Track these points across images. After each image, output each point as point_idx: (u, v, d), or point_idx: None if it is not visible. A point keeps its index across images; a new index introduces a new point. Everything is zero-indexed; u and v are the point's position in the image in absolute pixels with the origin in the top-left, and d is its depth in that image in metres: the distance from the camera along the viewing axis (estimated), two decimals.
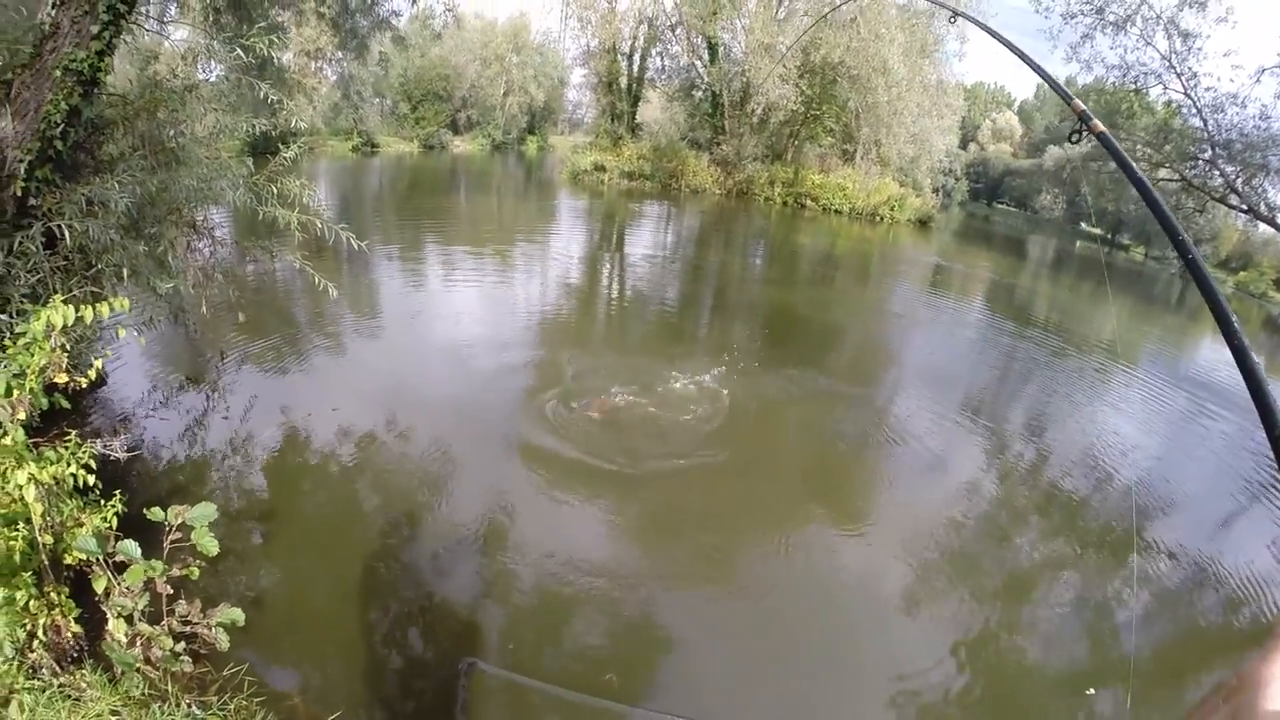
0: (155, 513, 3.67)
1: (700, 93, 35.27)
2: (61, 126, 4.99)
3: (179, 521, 3.68)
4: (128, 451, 4.34)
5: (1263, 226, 44.18)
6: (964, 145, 60.98)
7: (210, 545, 3.65)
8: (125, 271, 5.55)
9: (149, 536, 3.71)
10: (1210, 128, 18.78)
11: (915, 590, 5.74)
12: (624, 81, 36.26)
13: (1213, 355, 17.97)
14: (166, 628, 3.70)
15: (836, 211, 32.26)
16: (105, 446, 4.20)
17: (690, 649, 4.77)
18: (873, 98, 29.95)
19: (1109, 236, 55.10)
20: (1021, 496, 7.81)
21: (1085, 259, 41.94)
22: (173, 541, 3.69)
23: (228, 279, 7.60)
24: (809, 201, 32.52)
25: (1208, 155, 19.17)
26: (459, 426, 7.20)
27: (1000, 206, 65.91)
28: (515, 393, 8.20)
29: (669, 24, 34.28)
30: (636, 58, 36.08)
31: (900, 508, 7.04)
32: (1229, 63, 18.59)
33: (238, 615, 3.82)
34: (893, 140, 31.89)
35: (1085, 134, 2.59)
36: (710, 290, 15.95)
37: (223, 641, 3.76)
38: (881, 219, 32.59)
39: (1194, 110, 19.04)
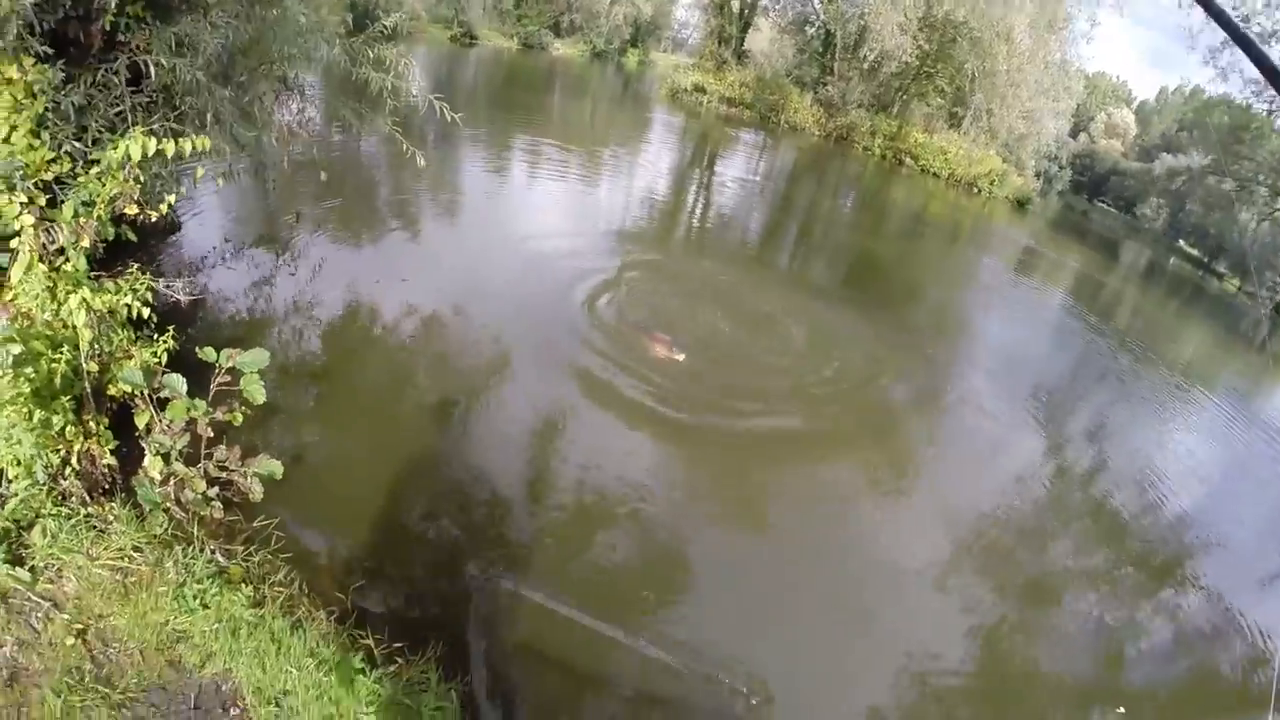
0: (207, 352, 3.56)
1: (813, 29, 34.07)
2: None
3: (229, 364, 3.56)
4: (190, 296, 4.22)
5: None
6: (1074, 134, 58.24)
7: (257, 392, 3.54)
8: (210, 116, 5.34)
9: (198, 378, 3.60)
10: None
11: (931, 561, 5.55)
12: (736, 5, 35.06)
13: None
14: (202, 471, 3.62)
15: (935, 174, 31.10)
16: (168, 287, 4.08)
17: (711, 584, 4.64)
18: (991, 64, 28.68)
19: (1206, 261, 52.55)
20: (1069, 500, 7.38)
21: (1177, 276, 40.06)
22: (220, 384, 3.57)
23: (312, 139, 7.40)
24: (908, 159, 31.40)
25: None
26: (521, 321, 7.06)
27: (1100, 205, 63.16)
28: (580, 297, 7.87)
29: None
30: None
31: (939, 485, 6.77)
32: None
33: (276, 468, 3.73)
34: (1005, 112, 30.56)
35: None
36: (796, 226, 15.39)
37: (256, 492, 3.70)
38: (979, 191, 31.32)
39: None
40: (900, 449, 7.06)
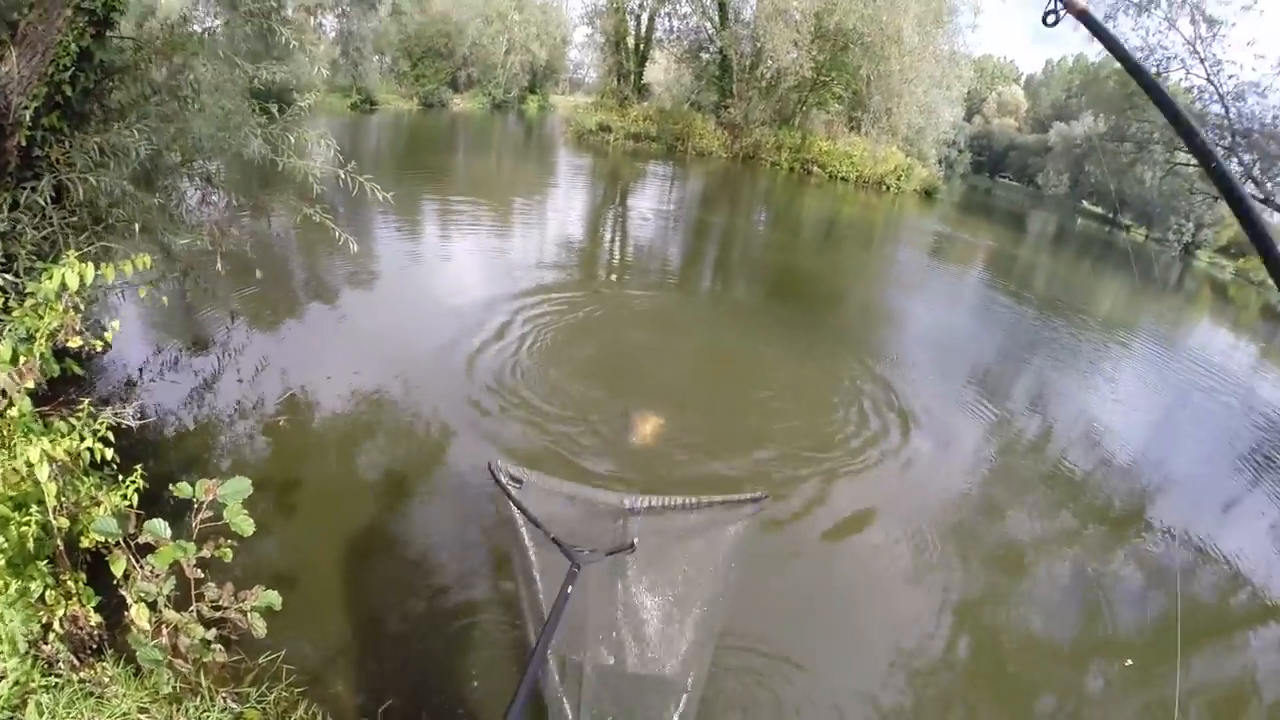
0: (182, 489, 3.17)
1: (709, 55, 34.79)
2: (71, 70, 4.62)
3: (209, 498, 3.20)
4: (139, 419, 4.02)
5: (1267, 215, 44.27)
6: (969, 118, 60.38)
7: (244, 524, 3.18)
8: (138, 226, 5.20)
9: (172, 511, 3.32)
10: (1231, 115, 18.56)
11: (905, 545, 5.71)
12: (631, 41, 35.71)
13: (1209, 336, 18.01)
14: (195, 614, 3.27)
15: (843, 179, 31.96)
16: (116, 415, 3.84)
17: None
18: (885, 65, 29.64)
19: (1110, 216, 54.78)
20: (1024, 469, 7.70)
21: (1086, 236, 41.78)
22: (202, 520, 3.21)
23: (242, 234, 7.27)
24: (815, 168, 32.18)
25: (1227, 143, 18.96)
26: (485, 390, 6.92)
27: (1003, 180, 65.54)
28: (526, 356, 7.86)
29: None
30: (645, 16, 35.51)
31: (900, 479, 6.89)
32: (1252, 51, 18.27)
33: (274, 599, 3.37)
34: (903, 109, 31.53)
35: (1061, 13, 2.08)
36: (714, 250, 15.66)
37: (259, 627, 3.31)
38: (887, 188, 32.30)
39: (1215, 97, 18.81)
40: (859, 455, 7.14)
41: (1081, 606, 5.49)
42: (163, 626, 3.26)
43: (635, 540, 3.50)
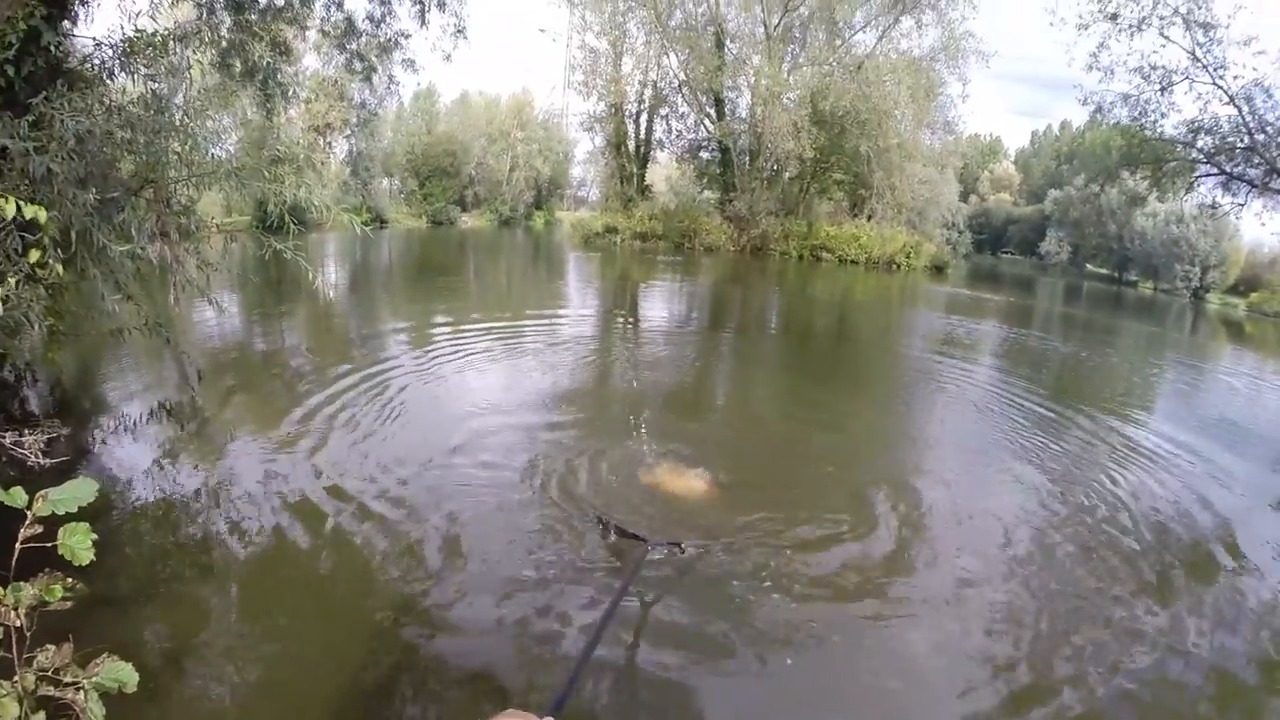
0: (14, 494, 2.06)
1: (709, 152, 35.61)
2: (16, 48, 4.37)
3: (43, 510, 2.14)
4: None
5: (1266, 246, 44.28)
6: (965, 198, 61.32)
7: (82, 549, 2.19)
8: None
9: None
10: (1245, 115, 18.62)
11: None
12: (631, 145, 36.66)
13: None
14: (18, 688, 2.18)
15: (853, 262, 32.14)
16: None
17: None
18: (884, 141, 30.20)
19: (1116, 275, 54.99)
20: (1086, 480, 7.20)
21: (1094, 293, 41.80)
22: (26, 542, 2.06)
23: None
24: (824, 254, 32.40)
25: (1246, 143, 18.95)
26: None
27: (1006, 255, 66.06)
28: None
29: (674, 85, 34.83)
30: (644, 119, 36.60)
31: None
32: (1250, 50, 18.38)
33: (126, 675, 2.27)
34: (905, 184, 32.02)
35: None
36: (737, 347, 15.06)
37: (95, 713, 2.20)
38: (898, 267, 32.45)
39: (1226, 100, 18.89)
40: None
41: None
42: None
43: (684, 544, 4.82)
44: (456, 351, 10.13)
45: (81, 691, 2.21)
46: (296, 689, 3.37)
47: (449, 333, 11.52)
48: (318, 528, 4.75)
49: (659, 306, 18.67)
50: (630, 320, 15.70)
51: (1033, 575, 5.10)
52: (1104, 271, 57.47)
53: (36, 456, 3.38)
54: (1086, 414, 9.63)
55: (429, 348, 10.22)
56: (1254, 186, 19.76)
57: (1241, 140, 19.25)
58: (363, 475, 5.61)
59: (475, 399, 8.02)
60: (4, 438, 3.18)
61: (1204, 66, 18.65)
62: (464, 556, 4.64)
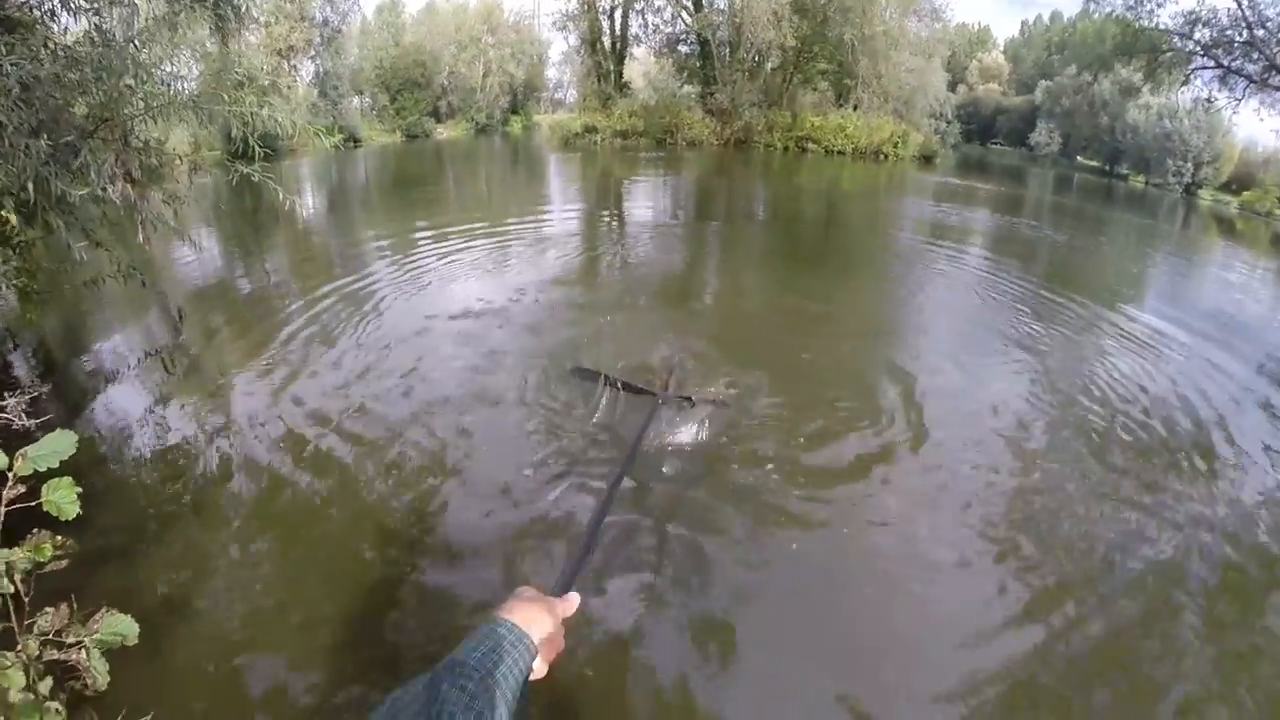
0: None
1: (687, 45, 34.41)
2: None
3: (24, 468, 1.96)
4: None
5: (1261, 145, 43.70)
6: (953, 88, 59.76)
7: (68, 503, 2.03)
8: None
9: None
10: (1245, 8, 17.94)
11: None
12: (607, 41, 35.39)
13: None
14: (20, 656, 2.01)
15: (839, 153, 31.46)
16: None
17: None
18: (869, 28, 29.13)
19: (1107, 168, 54.18)
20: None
21: (1085, 185, 41.17)
22: (11, 504, 1.92)
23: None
24: (810, 145, 31.72)
25: (1245, 36, 18.32)
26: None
27: (995, 146, 64.94)
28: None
29: None
30: (618, 14, 35.32)
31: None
32: None
33: (127, 627, 2.16)
34: (892, 71, 31.11)
35: None
36: (725, 238, 14.57)
37: (100, 675, 2.09)
38: (885, 157, 31.72)
39: None
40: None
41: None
42: None
43: (693, 396, 5.16)
44: (438, 260, 9.89)
45: (84, 650, 2.12)
46: (300, 620, 3.28)
47: (430, 242, 11.14)
48: (306, 457, 4.60)
49: (644, 203, 18.28)
50: (615, 217, 15.25)
51: (1034, 463, 5.03)
52: (1094, 164, 56.53)
53: (21, 419, 3.17)
54: (1080, 302, 9.58)
55: (409, 260, 9.92)
56: (1252, 82, 19.33)
57: (1240, 34, 18.71)
58: (345, 396, 5.49)
59: (457, 307, 7.80)
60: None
61: None
62: (454, 466, 4.57)
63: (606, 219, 15.05)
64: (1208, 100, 20.65)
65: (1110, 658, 3.31)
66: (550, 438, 4.83)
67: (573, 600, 1.13)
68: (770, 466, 4.54)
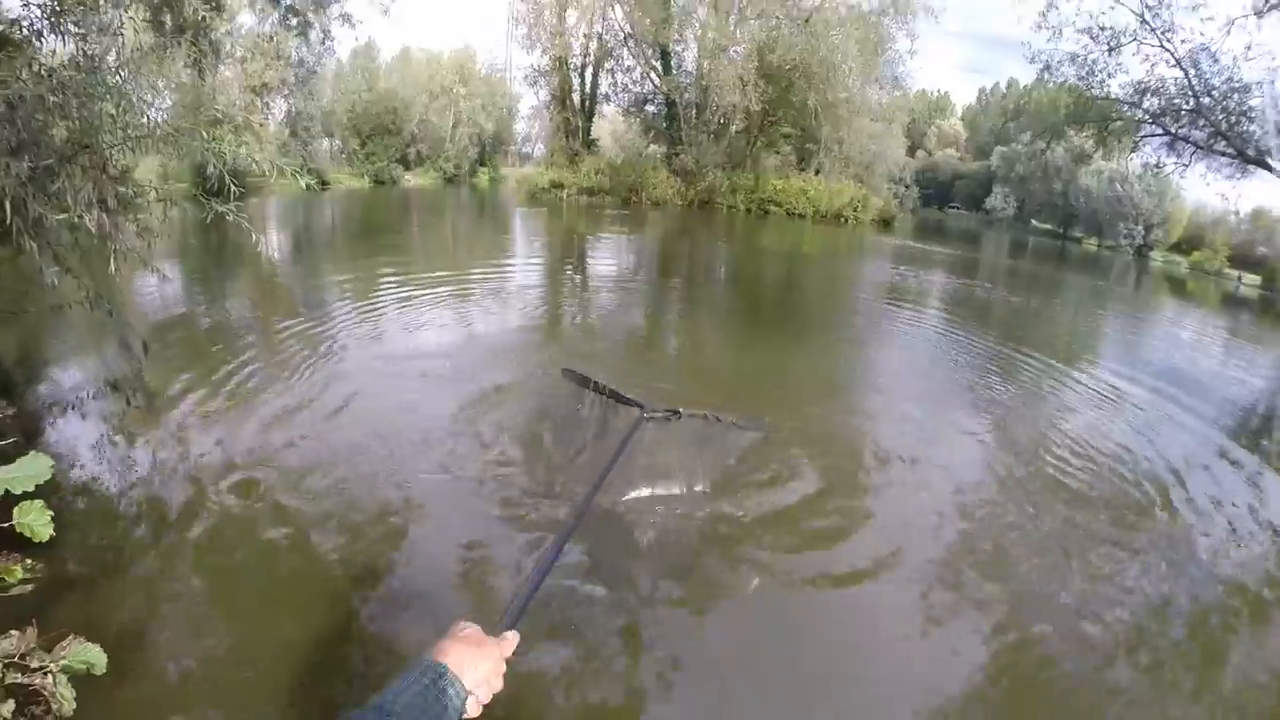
0: None
1: (655, 106, 35.09)
2: None
3: None
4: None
5: (1209, 206, 45.40)
6: (912, 153, 61.51)
7: (40, 525, 2.05)
8: None
9: None
10: (1191, 78, 18.85)
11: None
12: (576, 98, 35.96)
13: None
14: None
15: (801, 215, 32.14)
16: None
17: None
18: (832, 95, 29.95)
19: (1061, 231, 55.91)
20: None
21: (1040, 248, 42.59)
22: None
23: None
24: (773, 207, 32.37)
25: (1192, 105, 19.20)
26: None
27: (953, 210, 66.67)
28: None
29: (620, 38, 34.13)
30: (589, 72, 35.91)
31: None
32: (1198, 16, 18.65)
33: (95, 657, 2.14)
34: (854, 137, 31.93)
35: None
36: (683, 299, 14.69)
37: (66, 702, 2.08)
38: (846, 220, 32.50)
39: (1173, 63, 19.10)
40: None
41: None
42: None
43: (681, 410, 5.10)
44: (402, 307, 9.90)
45: (50, 676, 2.12)
46: (264, 651, 3.24)
47: (394, 290, 11.11)
48: (260, 492, 4.54)
49: (607, 259, 18.46)
50: (578, 272, 15.44)
51: (991, 514, 5.11)
52: (1049, 227, 58.35)
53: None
54: (1038, 359, 9.91)
55: (373, 306, 9.89)
56: (1198, 148, 20.14)
57: (1187, 102, 19.55)
58: (299, 432, 5.47)
59: (420, 354, 7.78)
60: None
61: (1152, 29, 18.84)
62: (408, 503, 4.54)
63: (569, 273, 15.27)
64: (1156, 165, 21.45)
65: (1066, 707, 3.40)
66: (502, 485, 4.82)
67: (510, 640, 1.11)
68: (724, 526, 4.52)
